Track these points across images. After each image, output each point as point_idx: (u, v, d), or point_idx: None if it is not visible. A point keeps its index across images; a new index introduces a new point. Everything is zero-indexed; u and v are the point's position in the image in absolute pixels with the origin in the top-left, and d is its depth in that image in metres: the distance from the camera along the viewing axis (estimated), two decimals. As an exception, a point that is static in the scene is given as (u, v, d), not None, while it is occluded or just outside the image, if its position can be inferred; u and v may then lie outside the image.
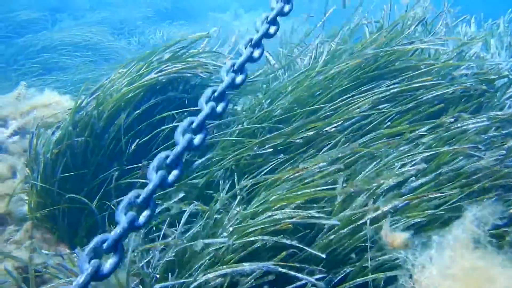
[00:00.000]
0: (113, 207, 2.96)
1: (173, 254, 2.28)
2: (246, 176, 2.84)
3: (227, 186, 2.84)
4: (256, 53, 1.53)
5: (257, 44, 1.52)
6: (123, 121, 3.16)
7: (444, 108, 2.79)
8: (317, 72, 3.23)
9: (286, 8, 1.61)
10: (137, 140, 3.13)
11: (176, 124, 3.21)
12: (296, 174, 2.45)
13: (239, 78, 1.46)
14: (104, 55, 8.91)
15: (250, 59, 1.51)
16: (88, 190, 3.11)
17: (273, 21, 1.58)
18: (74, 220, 3.09)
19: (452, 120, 2.59)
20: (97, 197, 2.99)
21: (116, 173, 2.99)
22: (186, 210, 2.52)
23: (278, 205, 2.27)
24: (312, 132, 2.84)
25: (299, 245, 2.13)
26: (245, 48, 1.51)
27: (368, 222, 2.13)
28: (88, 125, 3.17)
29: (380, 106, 2.84)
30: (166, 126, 3.23)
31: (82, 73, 7.70)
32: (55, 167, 3.10)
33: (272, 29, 1.57)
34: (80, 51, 8.73)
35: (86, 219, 3.05)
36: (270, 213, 2.21)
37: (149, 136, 3.20)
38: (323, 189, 2.31)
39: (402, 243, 1.99)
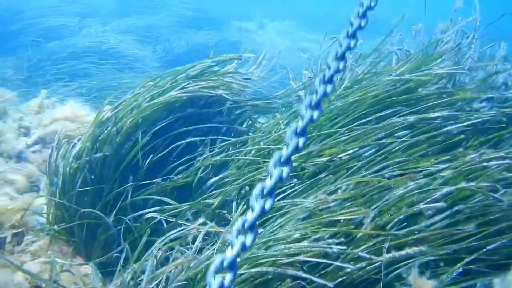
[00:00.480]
0: (128, 221, 2.99)
1: (185, 277, 2.29)
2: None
3: (241, 207, 2.85)
4: (329, 89, 1.56)
5: (330, 81, 1.54)
6: (140, 137, 3.19)
7: (463, 139, 2.75)
8: (337, 96, 3.23)
9: (352, 43, 1.64)
10: (151, 156, 3.16)
11: (191, 139, 3.25)
12: (317, 202, 2.44)
13: (315, 114, 1.47)
14: (130, 62, 9.02)
15: (325, 94, 1.54)
16: (105, 204, 3.15)
17: (342, 57, 1.61)
18: (90, 233, 3.13)
19: (475, 154, 2.55)
20: (114, 212, 3.03)
21: (131, 188, 3.03)
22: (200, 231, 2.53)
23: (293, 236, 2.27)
24: (326, 158, 2.83)
25: (310, 276, 2.12)
26: (320, 85, 1.54)
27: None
28: (107, 141, 3.22)
29: (397, 134, 2.82)
30: (181, 142, 3.25)
31: (107, 81, 7.82)
32: (74, 181, 3.15)
33: (341, 65, 1.59)
34: (106, 58, 8.86)
35: (102, 233, 3.08)
36: (283, 246, 2.21)
37: (164, 152, 3.23)
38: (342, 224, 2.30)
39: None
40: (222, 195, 2.94)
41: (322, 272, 2.19)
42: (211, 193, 3.05)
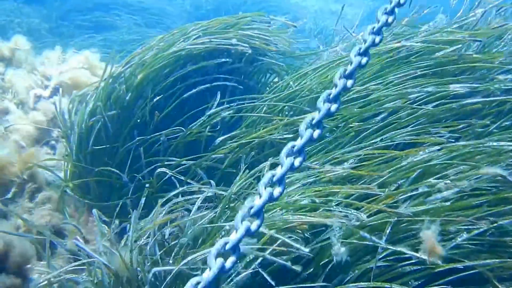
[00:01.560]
0: (141, 179, 3.01)
1: (186, 238, 2.31)
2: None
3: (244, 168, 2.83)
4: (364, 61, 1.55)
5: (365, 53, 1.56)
6: (150, 93, 3.19)
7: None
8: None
9: (390, 19, 1.62)
10: (159, 113, 3.15)
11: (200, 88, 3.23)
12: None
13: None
14: (156, 18, 8.94)
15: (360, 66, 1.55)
16: (118, 162, 3.17)
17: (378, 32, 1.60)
18: (105, 191, 3.18)
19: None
20: (126, 170, 3.05)
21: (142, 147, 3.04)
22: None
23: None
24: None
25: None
26: (355, 56, 1.56)
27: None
28: (118, 99, 3.22)
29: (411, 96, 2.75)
30: (190, 92, 3.24)
31: (131, 34, 7.78)
32: (89, 139, 3.17)
33: (377, 39, 1.59)
34: (131, 12, 8.80)
35: (117, 191, 3.12)
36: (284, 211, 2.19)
37: (170, 107, 3.22)
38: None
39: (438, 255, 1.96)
40: (231, 156, 2.92)
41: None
42: (216, 153, 3.03)
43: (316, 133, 1.40)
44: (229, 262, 1.14)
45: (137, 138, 3.10)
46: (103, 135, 3.17)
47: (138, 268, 2.16)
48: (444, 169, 2.27)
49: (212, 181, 2.71)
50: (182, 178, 2.81)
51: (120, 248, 2.20)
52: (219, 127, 3.17)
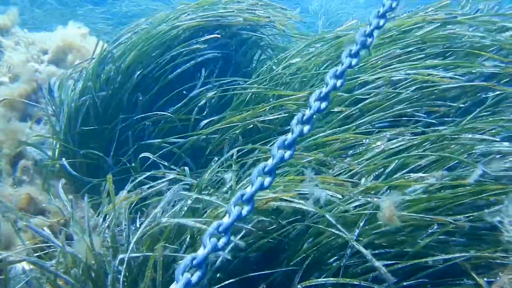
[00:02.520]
0: (127, 163, 3.02)
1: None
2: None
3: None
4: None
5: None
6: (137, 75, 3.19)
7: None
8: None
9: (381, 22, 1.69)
10: (144, 96, 3.15)
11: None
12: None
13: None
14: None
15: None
16: (107, 143, 3.17)
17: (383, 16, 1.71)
18: (92, 172, 3.17)
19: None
20: (111, 153, 3.06)
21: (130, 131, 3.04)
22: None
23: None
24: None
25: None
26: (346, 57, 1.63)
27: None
28: (109, 79, 3.20)
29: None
30: (174, 73, 3.22)
31: (136, 7, 7.69)
32: (77, 118, 3.17)
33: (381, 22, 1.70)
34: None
35: (104, 173, 3.12)
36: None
37: (153, 90, 3.22)
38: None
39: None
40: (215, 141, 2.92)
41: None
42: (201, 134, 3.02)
43: (306, 128, 1.49)
44: (221, 242, 1.29)
45: (121, 118, 3.11)
46: (92, 115, 3.17)
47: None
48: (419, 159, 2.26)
49: (186, 168, 2.72)
50: (166, 163, 2.82)
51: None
52: (206, 110, 3.15)
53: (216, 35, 3.41)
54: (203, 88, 3.18)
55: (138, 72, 3.21)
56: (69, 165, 3.14)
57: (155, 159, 2.85)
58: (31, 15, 7.57)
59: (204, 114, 3.15)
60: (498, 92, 2.65)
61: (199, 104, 3.15)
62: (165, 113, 3.09)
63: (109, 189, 2.26)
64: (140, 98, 3.18)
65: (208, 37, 3.39)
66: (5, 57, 3.89)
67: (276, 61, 3.49)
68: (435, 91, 2.69)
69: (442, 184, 2.14)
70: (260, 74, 3.36)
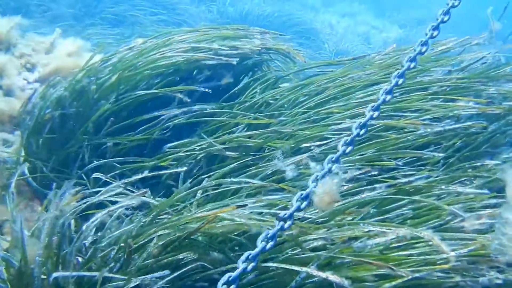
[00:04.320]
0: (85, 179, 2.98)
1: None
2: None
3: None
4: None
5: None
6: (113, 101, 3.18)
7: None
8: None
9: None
10: (112, 119, 3.14)
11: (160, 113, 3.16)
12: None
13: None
14: (178, 17, 8.98)
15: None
16: (66, 156, 3.14)
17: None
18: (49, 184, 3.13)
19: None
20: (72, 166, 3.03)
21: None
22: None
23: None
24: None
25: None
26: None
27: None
28: (83, 95, 3.20)
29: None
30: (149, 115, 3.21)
31: (148, 31, 7.81)
32: (45, 125, 3.15)
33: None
34: (156, 7, 8.88)
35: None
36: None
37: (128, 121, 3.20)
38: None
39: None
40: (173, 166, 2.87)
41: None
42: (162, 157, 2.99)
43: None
44: (268, 245, 1.70)
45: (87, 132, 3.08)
46: (57, 126, 3.15)
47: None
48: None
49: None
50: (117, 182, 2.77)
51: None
52: (169, 133, 3.12)
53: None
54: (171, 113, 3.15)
55: (115, 94, 3.20)
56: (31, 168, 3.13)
57: (107, 179, 2.81)
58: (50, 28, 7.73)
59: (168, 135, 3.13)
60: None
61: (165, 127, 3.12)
62: (127, 137, 3.07)
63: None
64: (112, 119, 3.16)
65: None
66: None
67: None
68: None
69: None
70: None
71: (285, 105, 3.29)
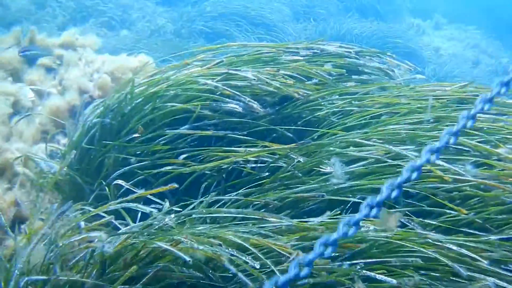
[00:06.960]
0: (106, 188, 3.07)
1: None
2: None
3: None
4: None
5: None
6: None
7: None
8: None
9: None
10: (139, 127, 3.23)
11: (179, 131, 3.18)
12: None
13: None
14: (274, 35, 9.05)
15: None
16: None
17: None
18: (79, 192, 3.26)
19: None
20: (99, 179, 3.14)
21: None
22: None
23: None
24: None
25: None
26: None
27: None
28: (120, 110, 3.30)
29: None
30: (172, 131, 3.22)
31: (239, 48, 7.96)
32: (85, 137, 3.30)
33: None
34: (253, 23, 9.05)
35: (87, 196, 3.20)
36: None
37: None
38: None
39: None
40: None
41: None
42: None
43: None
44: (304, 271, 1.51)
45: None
46: (95, 139, 3.28)
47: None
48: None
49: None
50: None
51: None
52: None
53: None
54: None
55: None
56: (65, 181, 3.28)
57: (129, 187, 2.88)
58: (147, 41, 8.17)
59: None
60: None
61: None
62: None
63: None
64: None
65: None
66: (62, 70, 4.19)
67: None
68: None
69: None
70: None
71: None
